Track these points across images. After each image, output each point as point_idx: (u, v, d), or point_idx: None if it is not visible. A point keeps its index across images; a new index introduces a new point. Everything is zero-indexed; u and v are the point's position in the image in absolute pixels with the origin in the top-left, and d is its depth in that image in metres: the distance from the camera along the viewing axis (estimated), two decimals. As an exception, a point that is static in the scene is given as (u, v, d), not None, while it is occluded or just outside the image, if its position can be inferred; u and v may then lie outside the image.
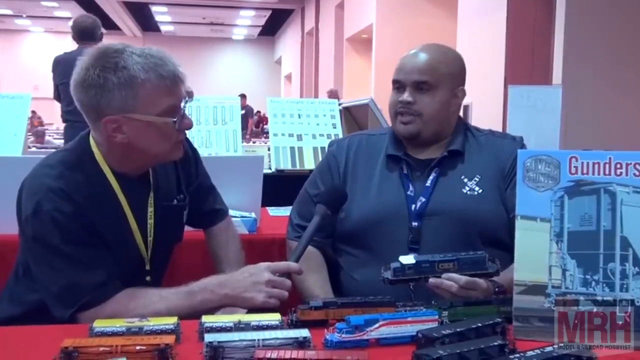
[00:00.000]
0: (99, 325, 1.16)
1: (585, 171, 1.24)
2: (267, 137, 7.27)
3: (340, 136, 3.36)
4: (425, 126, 1.67)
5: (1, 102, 3.08)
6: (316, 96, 14.19)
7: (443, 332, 1.11)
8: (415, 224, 1.62)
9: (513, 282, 1.26)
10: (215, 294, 1.38)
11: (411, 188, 1.66)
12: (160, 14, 19.00)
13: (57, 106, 4.46)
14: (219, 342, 1.06)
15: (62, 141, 4.95)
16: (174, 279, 1.53)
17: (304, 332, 1.13)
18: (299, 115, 3.39)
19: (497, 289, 1.40)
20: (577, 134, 4.87)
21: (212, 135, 3.25)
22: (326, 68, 14.08)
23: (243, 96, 11.26)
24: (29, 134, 6.32)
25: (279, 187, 2.65)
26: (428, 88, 1.65)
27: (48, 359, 1.04)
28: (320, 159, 3.12)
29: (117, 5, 16.79)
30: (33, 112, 13.08)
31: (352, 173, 1.73)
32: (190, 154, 1.64)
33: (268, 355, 1.03)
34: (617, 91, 5.46)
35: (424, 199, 1.63)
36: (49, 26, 20.37)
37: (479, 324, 1.15)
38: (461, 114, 1.80)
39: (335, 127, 3.40)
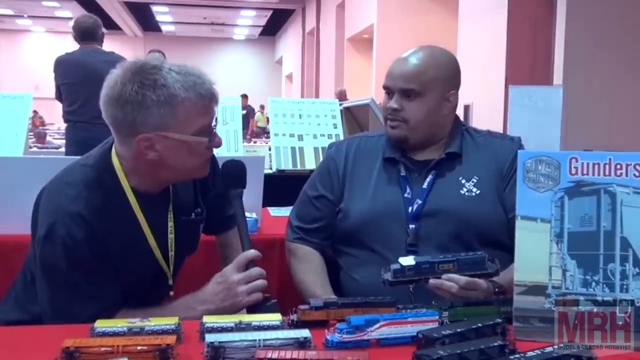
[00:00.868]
0: (100, 325, 1.16)
1: (585, 172, 1.24)
2: (267, 137, 7.28)
3: (341, 136, 3.36)
4: (412, 132, 1.66)
5: (2, 102, 3.08)
6: (317, 96, 14.20)
7: (443, 332, 1.11)
8: (412, 226, 1.62)
9: (513, 283, 1.26)
10: (197, 311, 1.37)
11: (408, 190, 1.66)
12: (161, 14, 19.02)
13: (58, 106, 4.47)
14: (220, 342, 1.06)
15: (63, 141, 4.94)
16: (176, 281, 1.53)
17: (304, 333, 1.13)
18: (300, 115, 3.39)
19: (497, 289, 1.41)
20: (578, 134, 4.88)
21: (213, 136, 3.24)
22: (327, 68, 14.09)
23: (244, 96, 11.27)
24: (30, 134, 6.33)
25: (280, 187, 2.64)
26: (415, 95, 1.64)
27: (49, 359, 1.04)
28: (322, 159, 3.14)
29: (118, 5, 16.81)
30: (34, 112, 13.11)
31: (350, 175, 1.73)
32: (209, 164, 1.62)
33: (269, 355, 1.03)
34: (617, 91, 5.46)
35: (420, 201, 1.63)
36: (50, 26, 20.40)
37: (479, 325, 1.15)
38: (461, 114, 1.80)
39: (336, 127, 3.40)
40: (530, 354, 1.04)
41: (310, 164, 3.24)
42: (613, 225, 1.22)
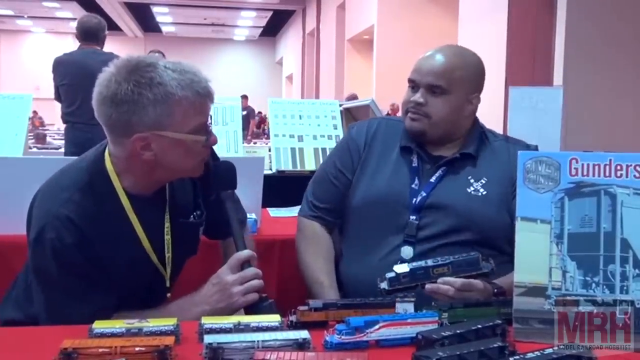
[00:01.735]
0: (99, 326, 1.16)
1: (585, 173, 1.24)
2: (267, 138, 7.28)
3: (341, 137, 3.36)
4: (431, 128, 1.67)
5: (2, 103, 3.08)
6: (317, 97, 14.20)
7: (443, 333, 1.11)
8: (413, 217, 1.62)
9: (513, 284, 1.26)
10: (193, 313, 1.36)
11: (416, 181, 1.67)
12: (162, 14, 19.03)
13: (58, 107, 4.46)
14: (218, 343, 1.06)
15: (63, 142, 4.95)
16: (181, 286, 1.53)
17: (303, 334, 1.13)
18: (300, 116, 3.39)
19: (496, 291, 1.41)
20: (578, 136, 4.87)
21: (213, 136, 3.24)
22: (327, 69, 14.09)
23: (245, 97, 11.27)
24: (30, 134, 6.33)
25: (280, 188, 2.65)
26: (441, 92, 1.65)
27: (47, 360, 1.04)
28: (321, 160, 3.14)
29: (118, 6, 16.82)
30: (34, 112, 13.12)
31: (367, 155, 1.75)
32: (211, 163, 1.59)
33: (267, 356, 1.03)
34: (618, 92, 5.46)
35: (424, 194, 1.64)
36: (50, 27, 20.42)
37: (479, 326, 1.15)
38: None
39: (336, 128, 3.39)
40: (530, 355, 1.04)
41: (310, 164, 3.24)
42: (613, 226, 1.22)
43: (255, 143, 8.56)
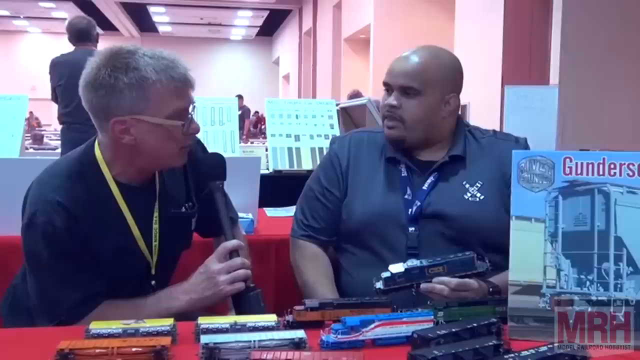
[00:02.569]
0: (95, 327, 1.16)
1: (579, 172, 1.25)
2: (264, 138, 7.28)
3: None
4: (409, 132, 1.65)
5: (-2, 104, 3.08)
6: (314, 96, 14.19)
7: (438, 332, 1.12)
8: (412, 228, 1.60)
9: (508, 282, 1.27)
10: (181, 301, 1.39)
11: (409, 192, 1.64)
12: (158, 14, 18.99)
13: (54, 107, 4.46)
14: (215, 343, 1.07)
15: (59, 142, 4.94)
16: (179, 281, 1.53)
17: (299, 333, 1.13)
18: (297, 116, 3.39)
19: (491, 289, 1.41)
20: (574, 135, 4.87)
21: (210, 136, 3.25)
22: (324, 68, 14.08)
23: (240, 97, 11.25)
24: (27, 135, 6.32)
25: (277, 187, 2.65)
26: (415, 93, 1.63)
27: (44, 361, 1.04)
28: (318, 159, 3.14)
29: (114, 6, 16.77)
30: (30, 113, 13.09)
31: (353, 171, 1.72)
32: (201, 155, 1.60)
33: (264, 356, 1.03)
34: (613, 92, 5.46)
35: (419, 203, 1.62)
36: (46, 27, 20.35)
37: (474, 324, 1.16)
38: (459, 114, 1.78)
39: (332, 128, 3.40)
40: (524, 353, 1.05)
41: (307, 164, 3.25)
42: (607, 224, 1.23)
43: (252, 143, 8.56)
